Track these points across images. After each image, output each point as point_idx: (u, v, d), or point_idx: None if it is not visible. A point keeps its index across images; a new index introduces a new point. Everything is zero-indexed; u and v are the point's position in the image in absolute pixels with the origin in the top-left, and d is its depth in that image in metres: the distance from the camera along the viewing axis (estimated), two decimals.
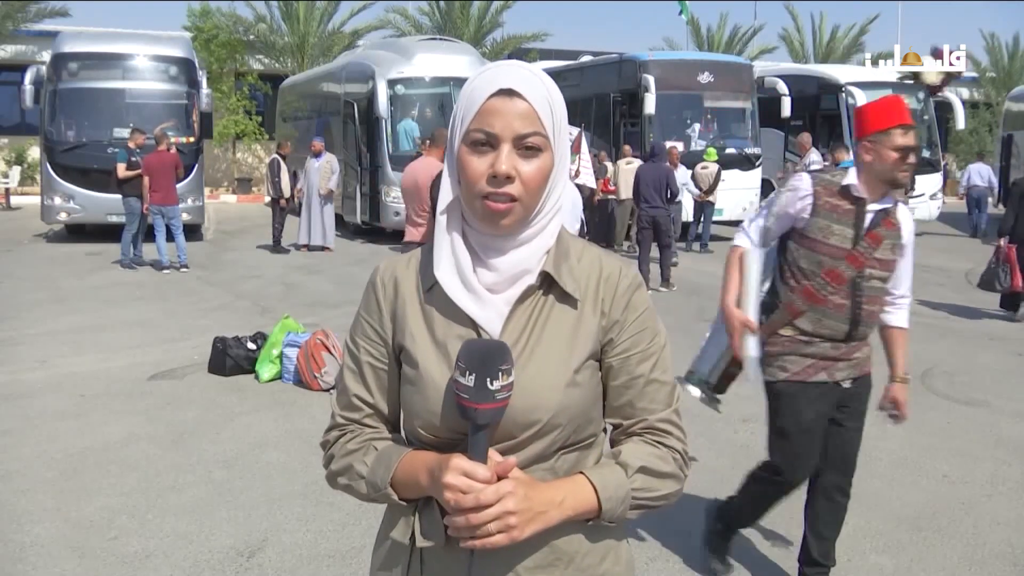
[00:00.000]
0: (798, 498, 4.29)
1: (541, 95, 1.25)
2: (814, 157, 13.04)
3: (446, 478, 1.18)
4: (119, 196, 12.18)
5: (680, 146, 14.33)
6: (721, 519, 3.55)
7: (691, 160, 14.35)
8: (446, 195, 1.29)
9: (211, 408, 5.68)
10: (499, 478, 1.19)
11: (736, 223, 16.91)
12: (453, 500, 1.18)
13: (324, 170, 13.75)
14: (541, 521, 1.21)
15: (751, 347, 3.11)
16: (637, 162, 14.32)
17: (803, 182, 3.06)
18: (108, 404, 5.74)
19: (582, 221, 5.54)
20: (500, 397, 1.18)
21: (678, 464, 1.33)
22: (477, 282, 1.27)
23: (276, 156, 14.04)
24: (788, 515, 4.09)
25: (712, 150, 14.53)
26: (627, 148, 14.68)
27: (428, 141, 6.51)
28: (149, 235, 11.78)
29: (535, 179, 1.24)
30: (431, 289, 1.32)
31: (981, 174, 17.33)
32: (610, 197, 14.14)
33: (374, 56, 16.17)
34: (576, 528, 1.29)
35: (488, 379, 1.16)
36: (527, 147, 1.23)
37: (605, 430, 1.39)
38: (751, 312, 3.11)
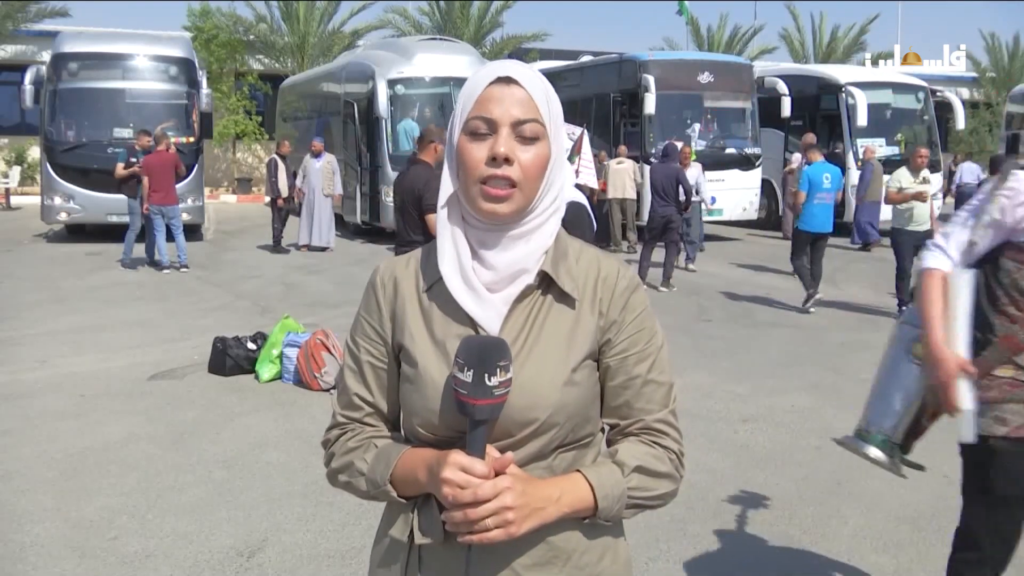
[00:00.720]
0: (797, 497, 4.29)
1: (539, 86, 1.28)
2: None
3: (444, 473, 1.19)
4: (119, 196, 12.27)
5: (679, 146, 14.33)
6: None
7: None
8: (446, 189, 1.30)
9: (211, 408, 5.68)
10: (497, 474, 1.20)
11: (736, 223, 17.04)
12: (451, 495, 1.18)
13: (326, 171, 13.76)
14: (538, 517, 1.22)
15: (968, 397, 2.40)
16: (628, 162, 14.36)
17: (1023, 183, 2.40)
18: (108, 404, 5.74)
19: (591, 219, 5.49)
20: (498, 393, 1.18)
21: (674, 464, 1.33)
22: (476, 280, 1.28)
23: (274, 156, 14.03)
24: (788, 515, 4.10)
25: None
26: (622, 148, 14.68)
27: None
28: (140, 237, 11.88)
29: (533, 166, 1.26)
30: (430, 288, 1.33)
31: (972, 172, 17.49)
32: (607, 197, 14.16)
33: (374, 56, 16.18)
34: (573, 526, 1.29)
35: (486, 375, 1.17)
36: (525, 135, 1.25)
37: (603, 430, 1.39)
38: (963, 350, 2.41)
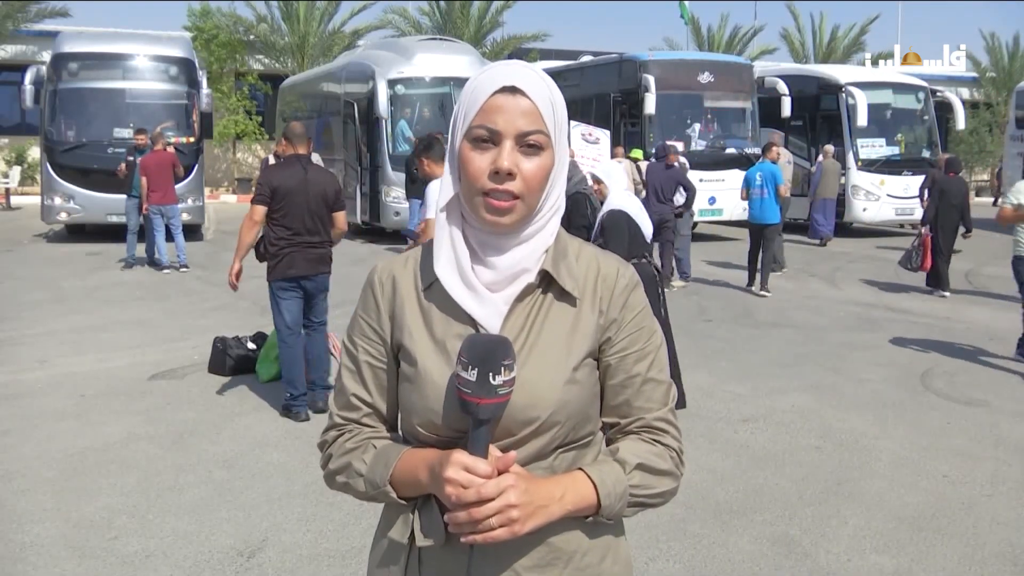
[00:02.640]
0: (797, 497, 4.29)
1: (544, 94, 1.26)
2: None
3: (447, 473, 1.18)
4: (119, 196, 12.29)
5: (680, 146, 14.31)
6: None
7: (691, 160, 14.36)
8: (446, 192, 1.30)
9: (211, 408, 5.68)
10: (499, 473, 1.19)
11: (736, 223, 17.07)
12: (454, 495, 1.18)
13: None
14: (542, 515, 1.21)
15: None
16: (627, 162, 14.35)
17: None
18: (108, 404, 5.74)
19: (638, 228, 5.49)
20: (502, 392, 1.18)
21: (675, 462, 1.33)
22: (476, 280, 1.28)
23: (267, 156, 14.00)
24: (788, 515, 4.09)
25: (638, 151, 14.37)
26: (619, 149, 14.68)
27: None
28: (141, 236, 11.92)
29: (536, 177, 1.25)
30: (429, 287, 1.32)
31: None
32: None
33: (374, 56, 16.17)
34: (574, 525, 1.29)
35: (490, 374, 1.16)
36: (529, 145, 1.24)
37: (602, 429, 1.39)
38: None
